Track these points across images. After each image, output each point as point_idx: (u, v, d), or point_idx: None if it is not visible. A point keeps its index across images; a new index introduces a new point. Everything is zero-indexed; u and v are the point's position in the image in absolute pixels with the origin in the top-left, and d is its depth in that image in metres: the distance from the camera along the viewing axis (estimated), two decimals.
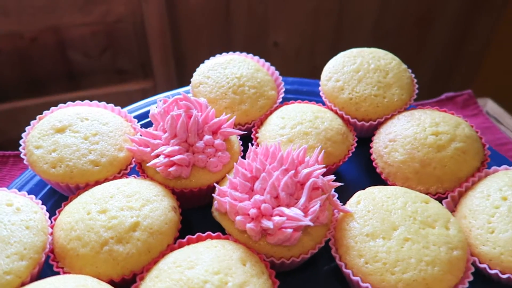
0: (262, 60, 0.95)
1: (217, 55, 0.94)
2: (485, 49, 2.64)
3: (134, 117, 0.89)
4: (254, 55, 2.18)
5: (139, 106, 0.97)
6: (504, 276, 0.60)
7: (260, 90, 0.87)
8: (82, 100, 0.81)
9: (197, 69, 0.91)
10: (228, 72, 0.87)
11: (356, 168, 0.86)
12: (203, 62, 0.93)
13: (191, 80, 0.90)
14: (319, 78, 0.93)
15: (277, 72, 0.95)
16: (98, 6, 1.96)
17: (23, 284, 0.55)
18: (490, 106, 1.15)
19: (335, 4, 2.32)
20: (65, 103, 0.81)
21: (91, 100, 0.83)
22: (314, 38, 2.42)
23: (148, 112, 0.94)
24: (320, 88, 0.90)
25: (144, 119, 0.94)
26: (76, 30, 2.07)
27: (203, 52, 2.23)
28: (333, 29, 2.39)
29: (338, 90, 0.85)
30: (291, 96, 1.00)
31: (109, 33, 2.12)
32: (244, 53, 0.95)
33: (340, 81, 0.86)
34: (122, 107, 0.87)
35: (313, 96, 0.97)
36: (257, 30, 2.29)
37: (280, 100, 0.90)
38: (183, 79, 2.28)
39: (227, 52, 1.00)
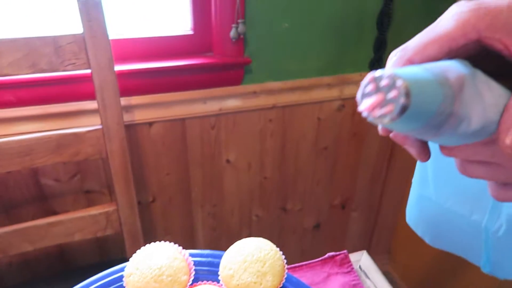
0: (180, 248, 1.29)
1: (147, 245, 1.27)
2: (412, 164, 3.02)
3: None
4: (209, 171, 2.66)
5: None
6: None
7: (174, 277, 1.20)
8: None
9: (130, 259, 1.24)
10: (152, 264, 1.20)
11: None
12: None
13: (125, 269, 1.22)
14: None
15: (190, 257, 1.28)
16: (69, 149, 2.24)
17: None
18: (363, 260, 1.48)
19: (278, 127, 2.72)
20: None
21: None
22: (262, 155, 2.77)
23: None
24: (219, 272, 1.24)
25: None
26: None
27: (162, 173, 2.54)
28: (279, 147, 2.77)
29: (230, 278, 1.19)
30: (205, 268, 1.33)
31: (78, 163, 2.44)
32: (167, 242, 1.28)
33: (231, 270, 1.20)
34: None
35: None
36: (210, 151, 2.65)
37: (190, 282, 1.23)
38: (144, 201, 2.57)
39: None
